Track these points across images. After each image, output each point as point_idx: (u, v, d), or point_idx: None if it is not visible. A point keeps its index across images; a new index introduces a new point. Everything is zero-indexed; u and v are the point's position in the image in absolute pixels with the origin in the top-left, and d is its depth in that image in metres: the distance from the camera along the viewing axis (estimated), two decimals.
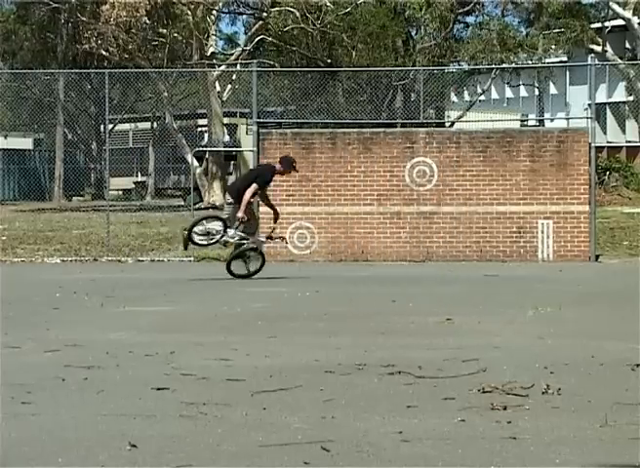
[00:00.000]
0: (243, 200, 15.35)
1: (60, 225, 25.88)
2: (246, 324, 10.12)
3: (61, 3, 33.05)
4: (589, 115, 20.71)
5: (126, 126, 43.93)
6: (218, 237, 15.62)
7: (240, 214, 15.37)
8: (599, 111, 32.39)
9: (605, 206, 27.78)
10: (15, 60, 40.86)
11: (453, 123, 35.31)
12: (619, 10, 36.21)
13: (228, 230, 15.55)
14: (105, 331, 9.61)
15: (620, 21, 37.38)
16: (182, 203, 33.43)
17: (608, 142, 39.01)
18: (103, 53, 31.91)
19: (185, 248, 16.33)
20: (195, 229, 15.74)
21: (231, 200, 15.78)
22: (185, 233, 15.82)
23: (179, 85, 42.35)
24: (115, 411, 5.93)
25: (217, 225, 15.71)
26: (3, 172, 43.46)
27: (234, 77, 35.72)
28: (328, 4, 31.53)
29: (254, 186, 15.41)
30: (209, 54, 32.63)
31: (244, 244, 15.65)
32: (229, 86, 35.94)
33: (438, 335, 9.10)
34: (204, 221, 16.00)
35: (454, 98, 41.35)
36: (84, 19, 31.96)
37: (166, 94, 33.82)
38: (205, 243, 16.02)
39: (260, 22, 33.48)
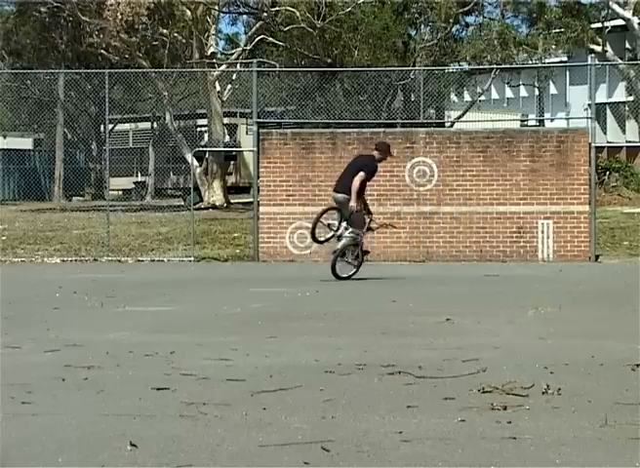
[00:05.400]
0: (352, 188, 14.95)
1: (60, 225, 25.87)
2: (246, 324, 10.13)
3: (62, 3, 33.02)
4: (589, 115, 20.71)
5: (126, 126, 43.89)
6: (334, 231, 15.30)
7: (353, 204, 14.95)
8: (599, 111, 32.38)
9: (605, 206, 27.77)
10: (15, 60, 40.84)
11: (453, 123, 35.31)
12: (619, 10, 36.21)
13: (343, 223, 15.24)
14: (105, 331, 9.61)
15: (620, 21, 37.39)
16: (182, 203, 33.41)
17: (608, 142, 39.00)
18: (104, 52, 31.90)
19: (315, 241, 15.86)
20: (318, 224, 15.40)
21: (340, 195, 15.27)
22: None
23: (179, 85, 42.30)
24: (115, 411, 5.93)
25: (336, 218, 15.36)
26: (3, 172, 43.42)
27: (234, 77, 35.69)
28: (331, 2, 31.53)
29: (361, 174, 15.05)
30: (209, 54, 32.60)
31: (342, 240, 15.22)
32: (229, 86, 35.91)
33: (438, 335, 9.10)
34: (325, 214, 15.55)
35: (454, 98, 41.35)
36: (85, 18, 31.95)
37: (166, 93, 33.80)
38: (322, 239, 15.70)
39: (261, 22, 33.47)
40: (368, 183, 15.66)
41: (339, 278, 15.16)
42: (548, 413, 5.82)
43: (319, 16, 31.24)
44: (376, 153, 15.71)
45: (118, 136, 42.90)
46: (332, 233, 15.48)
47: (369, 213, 15.63)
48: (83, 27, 32.56)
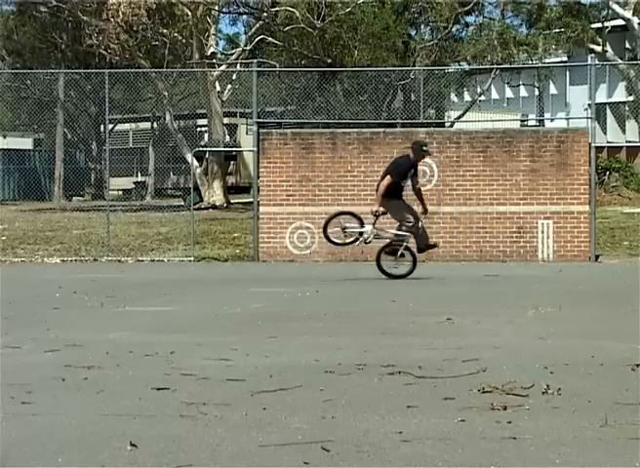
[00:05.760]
0: (377, 193, 15.17)
1: (60, 225, 25.87)
2: (246, 324, 10.12)
3: (62, 2, 33.01)
4: (589, 115, 20.71)
5: (126, 126, 43.88)
6: (356, 235, 15.39)
7: (374, 208, 15.14)
8: (599, 111, 32.37)
9: (605, 206, 27.76)
10: (15, 60, 40.83)
11: (453, 123, 35.31)
12: (619, 10, 36.22)
13: (368, 227, 15.34)
14: (105, 331, 9.61)
15: (620, 21, 37.39)
16: (182, 203, 33.41)
17: (608, 142, 38.99)
18: (103, 52, 31.89)
19: (328, 241, 15.98)
20: (329, 227, 15.53)
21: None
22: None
23: (179, 85, 42.28)
24: (115, 411, 5.93)
25: (353, 222, 15.47)
26: (3, 172, 43.40)
27: (234, 77, 35.69)
28: (330, 2, 31.53)
29: (387, 178, 15.15)
30: (209, 54, 32.60)
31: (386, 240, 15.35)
32: (229, 86, 35.91)
33: (438, 335, 9.09)
34: (339, 218, 15.69)
35: (454, 98, 41.35)
36: (85, 18, 31.95)
37: (166, 93, 33.79)
38: (339, 241, 15.80)
39: (261, 22, 33.47)
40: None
41: (386, 275, 15.19)
42: (548, 413, 5.81)
43: (319, 16, 31.24)
44: (411, 153, 15.71)
45: (118, 136, 42.89)
46: (353, 237, 15.49)
47: (425, 211, 15.75)
48: (83, 28, 32.54)
